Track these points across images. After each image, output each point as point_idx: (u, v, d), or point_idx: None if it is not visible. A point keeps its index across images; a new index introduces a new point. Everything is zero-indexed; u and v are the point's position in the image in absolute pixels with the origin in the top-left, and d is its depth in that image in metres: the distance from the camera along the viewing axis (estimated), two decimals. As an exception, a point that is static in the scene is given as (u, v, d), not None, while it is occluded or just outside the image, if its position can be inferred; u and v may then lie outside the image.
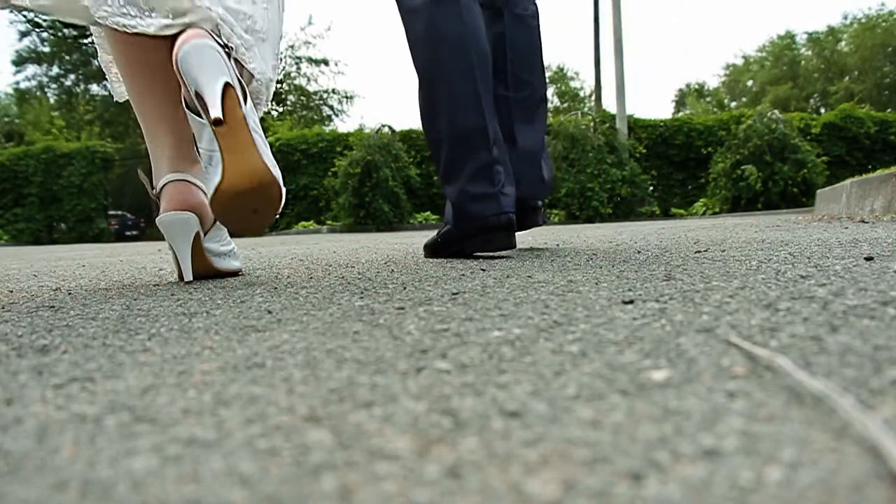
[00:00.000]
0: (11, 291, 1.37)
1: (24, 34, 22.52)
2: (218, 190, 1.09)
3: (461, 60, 1.51)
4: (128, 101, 1.37)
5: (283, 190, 1.18)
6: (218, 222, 1.33)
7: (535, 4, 1.87)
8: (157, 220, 1.25)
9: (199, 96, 1.05)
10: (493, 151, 1.54)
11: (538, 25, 1.85)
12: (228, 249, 1.42)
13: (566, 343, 0.60)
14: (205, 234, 1.30)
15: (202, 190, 1.27)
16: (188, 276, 1.30)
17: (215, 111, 1.02)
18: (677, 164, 13.21)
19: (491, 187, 1.53)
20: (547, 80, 1.93)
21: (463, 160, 1.54)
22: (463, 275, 1.27)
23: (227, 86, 1.03)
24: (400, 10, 1.62)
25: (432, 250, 1.73)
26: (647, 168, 12.56)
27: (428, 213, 11.21)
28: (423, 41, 1.56)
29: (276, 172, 1.13)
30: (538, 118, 1.82)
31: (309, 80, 24.97)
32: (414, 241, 3.51)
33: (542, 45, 1.86)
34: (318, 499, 0.30)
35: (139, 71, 1.29)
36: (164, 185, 1.26)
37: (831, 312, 0.68)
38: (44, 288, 1.42)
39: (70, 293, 1.28)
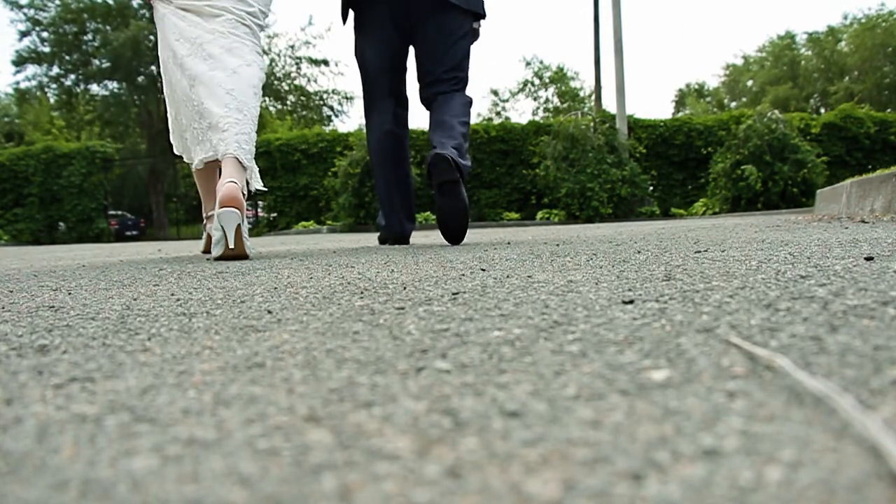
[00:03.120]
0: (11, 291, 1.37)
1: (24, 34, 22.49)
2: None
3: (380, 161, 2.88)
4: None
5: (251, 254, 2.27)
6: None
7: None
8: (216, 213, 2.12)
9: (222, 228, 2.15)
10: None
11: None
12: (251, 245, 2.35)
13: (566, 343, 0.60)
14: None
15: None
16: (231, 245, 2.13)
17: (230, 244, 2.14)
18: (677, 164, 13.21)
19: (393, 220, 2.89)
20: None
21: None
22: (463, 275, 1.27)
23: (237, 227, 2.14)
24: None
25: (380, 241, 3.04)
26: (647, 168, 12.55)
27: (428, 213, 11.21)
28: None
29: (251, 252, 2.26)
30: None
31: (309, 80, 24.98)
32: (414, 241, 3.51)
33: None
34: (318, 499, 0.30)
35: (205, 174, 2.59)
36: (211, 215, 2.49)
37: (831, 312, 0.68)
38: (44, 288, 1.42)
39: (70, 293, 1.28)
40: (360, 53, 2.78)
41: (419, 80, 2.73)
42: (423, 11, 2.62)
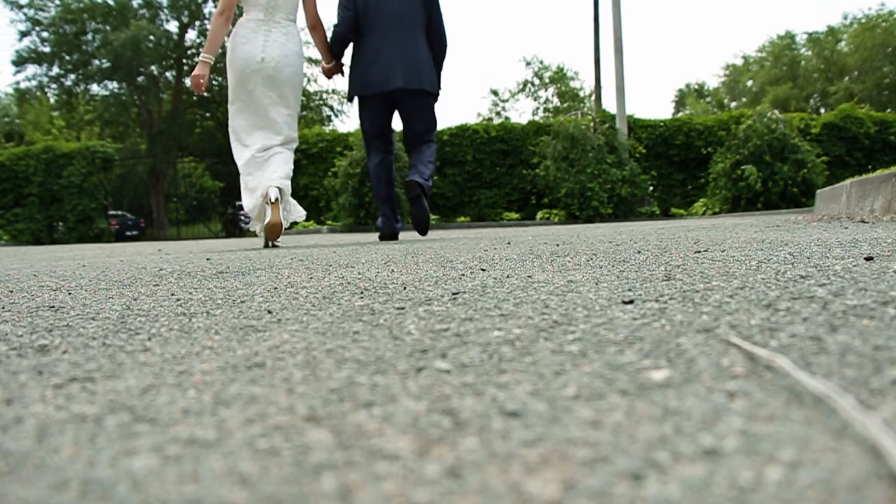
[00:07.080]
0: (11, 291, 1.37)
1: (24, 34, 22.48)
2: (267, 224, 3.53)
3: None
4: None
5: (283, 226, 3.55)
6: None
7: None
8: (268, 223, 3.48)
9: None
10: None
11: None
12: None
13: (566, 343, 0.60)
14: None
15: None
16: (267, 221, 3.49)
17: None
18: (677, 164, 13.20)
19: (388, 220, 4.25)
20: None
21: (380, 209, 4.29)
22: (463, 275, 1.27)
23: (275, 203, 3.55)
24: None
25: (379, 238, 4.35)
26: (647, 168, 12.54)
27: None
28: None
29: (284, 222, 3.58)
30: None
31: (309, 80, 24.97)
32: (414, 240, 3.51)
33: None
34: (318, 499, 0.30)
35: None
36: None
37: (831, 312, 0.68)
38: (44, 288, 1.42)
39: (70, 293, 1.28)
40: (361, 119, 4.15)
41: (404, 132, 4.13)
42: (407, 95, 3.99)
